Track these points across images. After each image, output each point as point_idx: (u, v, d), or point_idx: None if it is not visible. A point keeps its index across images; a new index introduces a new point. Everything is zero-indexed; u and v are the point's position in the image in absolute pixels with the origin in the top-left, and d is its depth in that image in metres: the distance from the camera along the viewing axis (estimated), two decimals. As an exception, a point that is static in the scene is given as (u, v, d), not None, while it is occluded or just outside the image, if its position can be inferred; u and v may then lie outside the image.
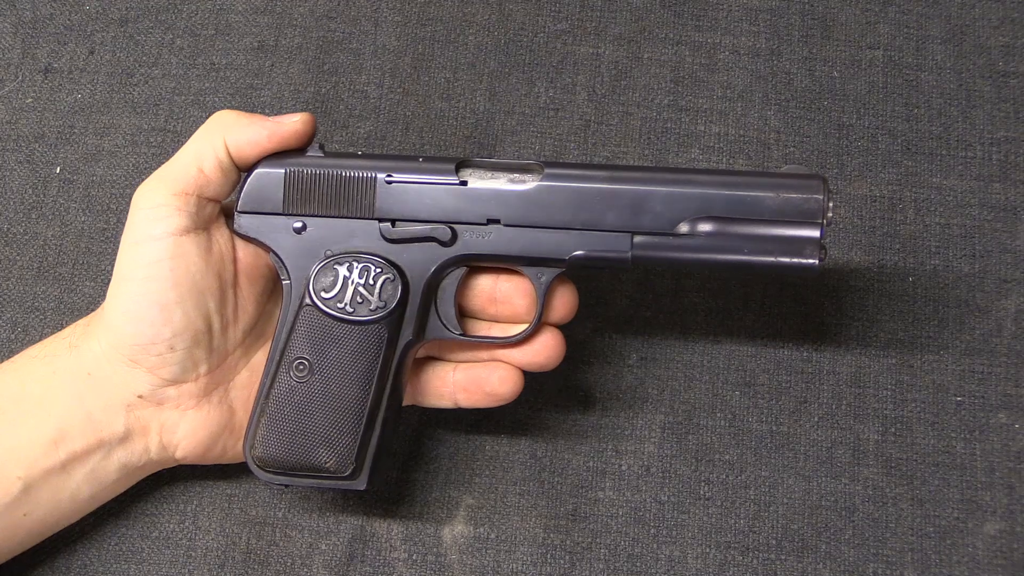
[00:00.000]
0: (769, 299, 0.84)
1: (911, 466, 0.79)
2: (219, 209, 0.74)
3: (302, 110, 0.89)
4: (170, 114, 0.90)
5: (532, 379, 0.80)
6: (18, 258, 0.87)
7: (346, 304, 0.72)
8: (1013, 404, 0.80)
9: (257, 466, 0.72)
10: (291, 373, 0.72)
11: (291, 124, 0.73)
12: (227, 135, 0.72)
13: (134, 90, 0.91)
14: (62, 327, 0.81)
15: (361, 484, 0.72)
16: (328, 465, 0.71)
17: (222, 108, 0.89)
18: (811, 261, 0.69)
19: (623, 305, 0.84)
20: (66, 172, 0.89)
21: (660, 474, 0.80)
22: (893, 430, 0.80)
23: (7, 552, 0.73)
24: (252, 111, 0.73)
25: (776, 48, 0.90)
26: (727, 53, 0.90)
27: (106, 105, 0.91)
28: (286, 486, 0.73)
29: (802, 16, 0.91)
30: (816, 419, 0.81)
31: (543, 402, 0.81)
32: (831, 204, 0.70)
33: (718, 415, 0.81)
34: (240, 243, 0.74)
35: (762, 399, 0.81)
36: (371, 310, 0.72)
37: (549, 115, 0.89)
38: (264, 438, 0.72)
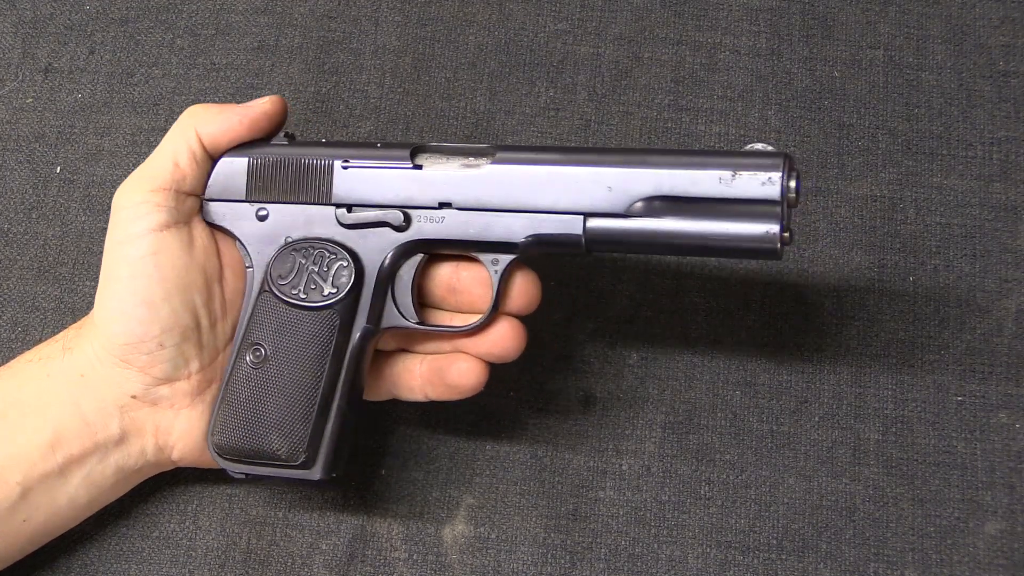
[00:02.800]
0: (769, 299, 0.84)
1: (912, 466, 0.79)
2: (199, 204, 0.74)
3: (302, 110, 0.89)
4: (170, 114, 0.90)
5: (531, 379, 0.81)
6: (18, 258, 0.87)
7: (300, 290, 0.72)
8: (1013, 404, 0.80)
9: (216, 453, 0.72)
10: (247, 359, 0.72)
11: (260, 107, 0.73)
12: (199, 127, 0.73)
13: (134, 90, 0.91)
14: (62, 327, 0.81)
15: (315, 474, 0.71)
16: (280, 452, 0.71)
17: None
18: (773, 245, 0.66)
19: (623, 305, 0.84)
20: (66, 172, 0.89)
21: (660, 474, 0.80)
22: (893, 430, 0.80)
23: (8, 558, 0.73)
24: (231, 103, 0.74)
25: (776, 48, 0.90)
26: (727, 53, 0.90)
27: (106, 105, 0.91)
28: (246, 475, 0.72)
29: (802, 16, 0.91)
30: (816, 419, 0.81)
31: (543, 402, 0.81)
32: (794, 184, 0.66)
33: (718, 415, 0.81)
34: (222, 237, 0.75)
35: (762, 399, 0.81)
36: (323, 296, 0.71)
37: (549, 115, 0.89)
38: (222, 424, 0.72)
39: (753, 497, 0.79)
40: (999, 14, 0.90)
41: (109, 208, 0.87)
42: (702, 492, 0.79)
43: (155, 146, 0.88)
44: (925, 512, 0.78)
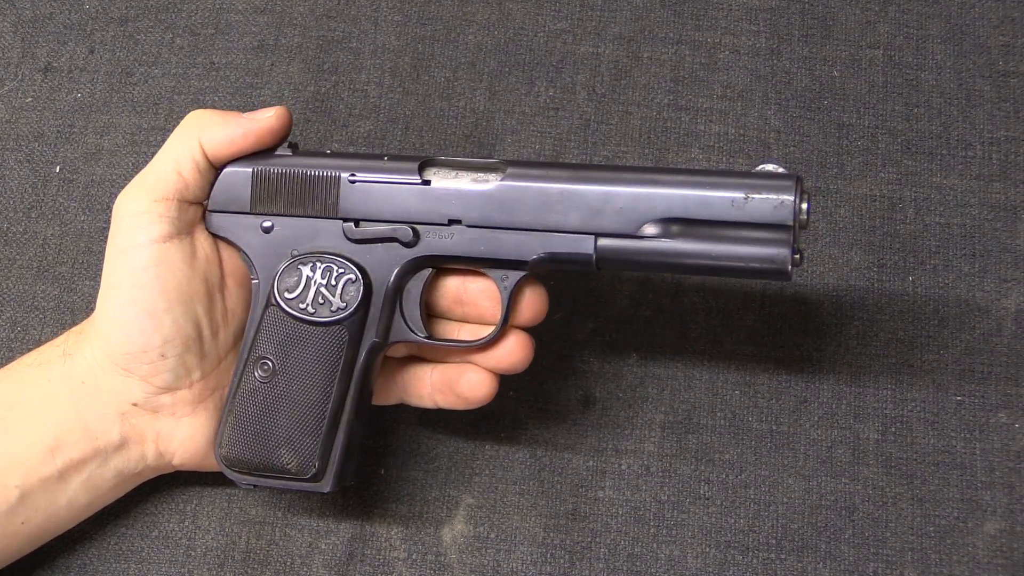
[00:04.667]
0: (769, 299, 0.84)
1: (911, 465, 0.79)
2: (202, 212, 0.74)
3: (302, 110, 0.89)
4: (170, 113, 0.90)
5: (531, 379, 0.81)
6: (18, 257, 0.86)
7: (308, 305, 0.71)
8: (1013, 404, 0.80)
9: (224, 465, 0.72)
10: (255, 373, 0.71)
11: (266, 120, 0.72)
12: (202, 136, 0.72)
13: (134, 89, 0.91)
14: (62, 326, 0.81)
15: (325, 486, 0.71)
16: (290, 466, 0.71)
17: (222, 107, 0.89)
18: (784, 267, 0.66)
19: (623, 305, 0.84)
20: (66, 171, 0.89)
21: (660, 473, 0.80)
22: (893, 430, 0.80)
23: (6, 559, 0.73)
24: (252, 110, 0.73)
25: (776, 47, 0.90)
26: (727, 53, 0.90)
27: (106, 104, 0.91)
28: (254, 486, 0.72)
29: (802, 15, 0.91)
30: (816, 418, 0.81)
31: (543, 401, 0.81)
32: (805, 206, 0.66)
33: (718, 414, 0.81)
34: (224, 245, 0.74)
35: (762, 398, 0.81)
36: (332, 311, 0.71)
37: (549, 115, 0.89)
38: (230, 438, 0.71)
39: (752, 497, 0.79)
40: (999, 14, 0.90)
41: (109, 208, 0.87)
42: (701, 492, 0.79)
43: (155, 145, 0.89)
44: (924, 512, 0.78)
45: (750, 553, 0.78)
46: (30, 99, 0.91)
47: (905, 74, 0.89)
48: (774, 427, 0.80)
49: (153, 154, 0.88)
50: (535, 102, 0.89)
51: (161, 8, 0.93)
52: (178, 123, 0.88)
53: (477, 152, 0.88)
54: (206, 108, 0.88)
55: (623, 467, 0.80)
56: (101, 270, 0.85)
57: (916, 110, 0.88)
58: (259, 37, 0.92)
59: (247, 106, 0.89)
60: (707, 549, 0.78)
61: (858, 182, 0.86)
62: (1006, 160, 0.86)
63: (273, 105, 0.88)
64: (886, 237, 0.85)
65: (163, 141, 0.88)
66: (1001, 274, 0.83)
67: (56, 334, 0.76)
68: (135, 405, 0.72)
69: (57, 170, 0.89)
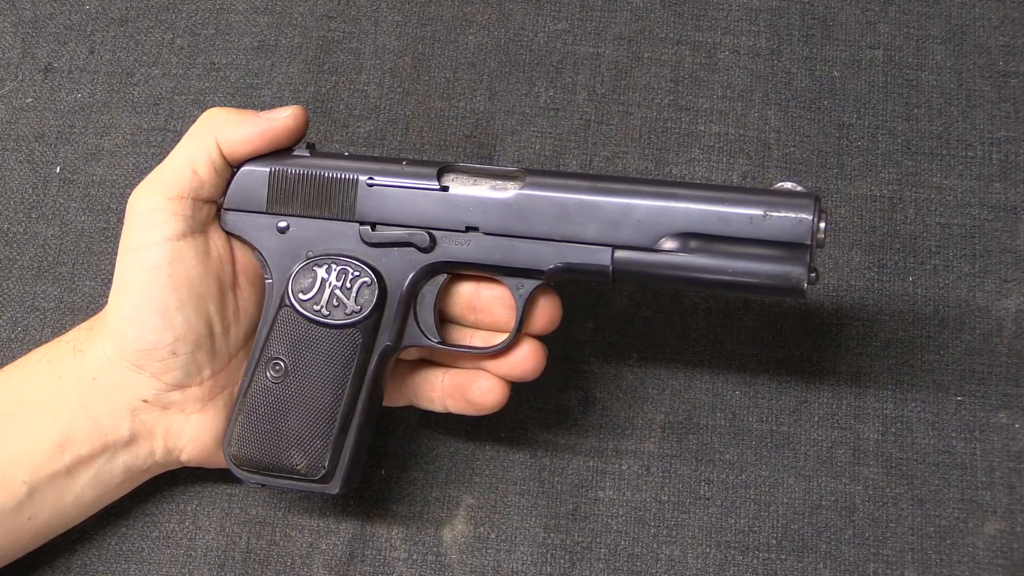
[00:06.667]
0: (769, 299, 0.83)
1: (911, 466, 0.79)
2: (215, 210, 0.74)
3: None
4: (170, 114, 0.90)
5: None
6: (18, 258, 0.87)
7: (322, 307, 0.71)
8: (1013, 404, 0.80)
9: (233, 463, 0.72)
10: (267, 373, 0.71)
11: (282, 120, 0.72)
12: (219, 134, 0.72)
13: (134, 89, 0.91)
14: (62, 326, 0.81)
15: (334, 488, 0.71)
16: (300, 467, 0.71)
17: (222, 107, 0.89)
18: (799, 285, 0.66)
19: (623, 305, 0.84)
20: (66, 172, 0.89)
21: (660, 474, 0.80)
22: (893, 430, 0.80)
23: (12, 554, 0.73)
24: (265, 110, 0.73)
25: (776, 48, 0.90)
26: (727, 53, 0.90)
27: (106, 105, 0.91)
28: (262, 485, 0.72)
29: (802, 16, 0.91)
30: (816, 419, 0.81)
31: (543, 402, 0.81)
32: (823, 225, 0.67)
33: (718, 414, 0.81)
34: (237, 244, 0.74)
35: (762, 399, 0.81)
36: (346, 314, 0.71)
37: (549, 115, 0.89)
38: (240, 437, 0.72)
39: (752, 497, 0.79)
40: (999, 14, 0.90)
41: (109, 208, 0.87)
42: (701, 492, 0.79)
43: (155, 146, 0.89)
44: (924, 512, 0.78)
45: (750, 553, 0.78)
46: (30, 99, 0.91)
47: (905, 74, 0.89)
48: (774, 427, 0.80)
49: (154, 154, 0.89)
50: (535, 102, 0.89)
51: (161, 8, 0.93)
52: (179, 123, 0.89)
53: (477, 153, 0.88)
54: (209, 108, 0.89)
55: (623, 467, 0.80)
56: (102, 270, 0.85)
57: (916, 110, 0.88)
58: (259, 37, 0.92)
59: (248, 106, 0.89)
60: (707, 549, 0.78)
61: (858, 182, 0.86)
62: (1006, 160, 0.86)
63: (274, 105, 0.89)
64: (886, 237, 0.85)
65: (164, 141, 0.89)
66: (1001, 275, 0.83)
67: (56, 334, 0.76)
68: (145, 401, 0.72)
69: (57, 170, 0.89)
